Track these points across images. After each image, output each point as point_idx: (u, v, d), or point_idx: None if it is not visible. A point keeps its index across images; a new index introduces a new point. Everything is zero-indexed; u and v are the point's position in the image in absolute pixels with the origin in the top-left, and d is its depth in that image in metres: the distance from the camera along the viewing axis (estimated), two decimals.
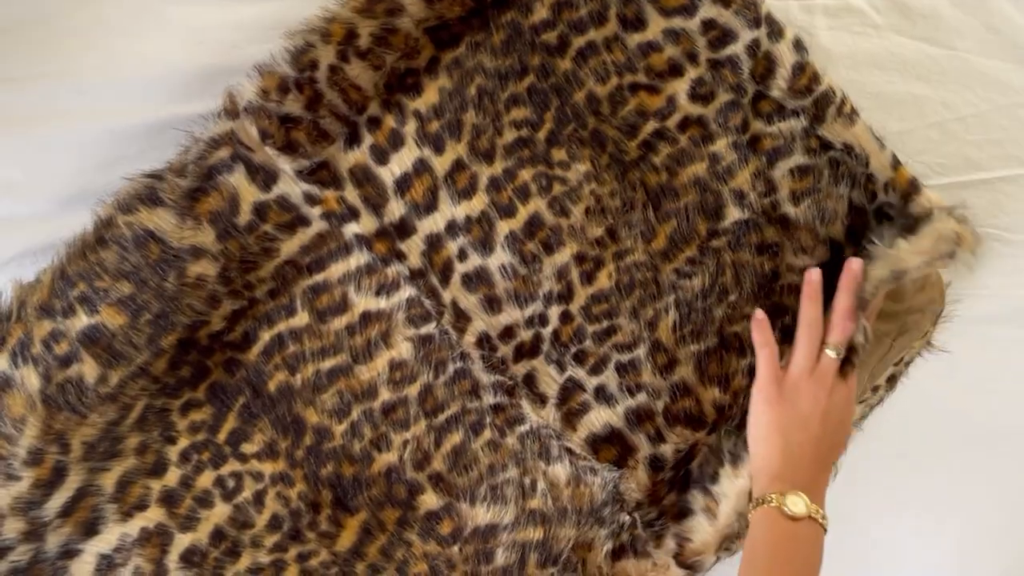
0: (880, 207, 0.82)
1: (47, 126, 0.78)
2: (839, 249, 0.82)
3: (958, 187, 0.89)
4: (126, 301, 0.74)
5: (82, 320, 0.74)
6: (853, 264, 0.78)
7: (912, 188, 0.80)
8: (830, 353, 0.77)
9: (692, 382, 0.82)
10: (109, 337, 0.74)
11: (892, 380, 0.88)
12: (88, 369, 0.74)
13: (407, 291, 0.79)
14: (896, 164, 0.80)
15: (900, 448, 0.91)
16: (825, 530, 0.74)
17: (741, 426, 0.81)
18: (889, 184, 0.80)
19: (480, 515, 0.79)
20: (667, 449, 0.81)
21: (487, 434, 0.81)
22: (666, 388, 0.81)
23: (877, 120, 0.81)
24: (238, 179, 0.76)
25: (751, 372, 0.81)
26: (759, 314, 0.80)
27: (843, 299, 0.78)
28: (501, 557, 0.78)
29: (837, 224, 0.82)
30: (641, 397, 0.82)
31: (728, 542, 0.83)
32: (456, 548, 0.79)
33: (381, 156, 0.78)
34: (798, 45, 0.77)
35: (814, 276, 0.79)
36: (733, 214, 0.81)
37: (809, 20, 0.85)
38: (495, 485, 0.80)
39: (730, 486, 0.78)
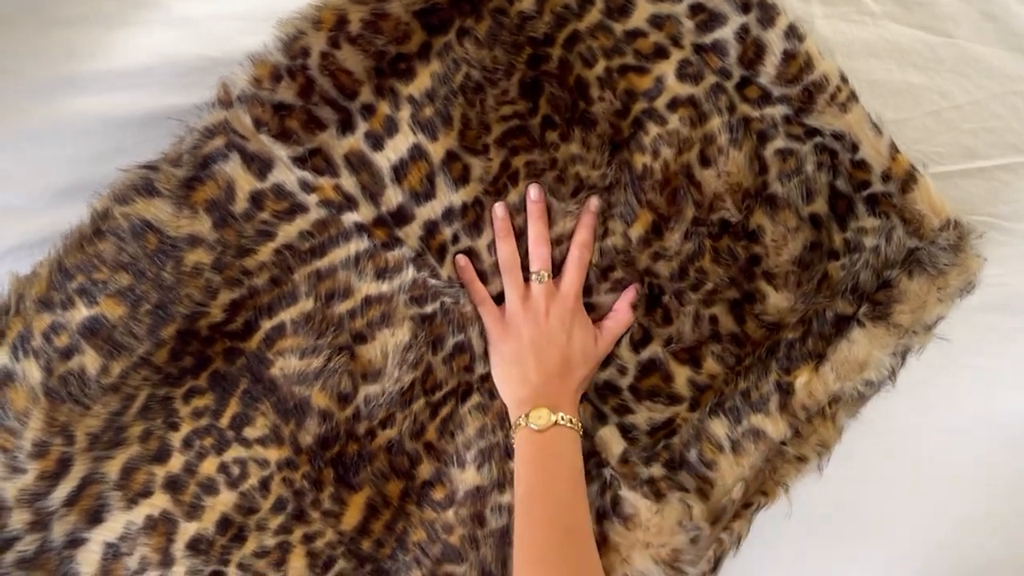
0: (874, 195, 0.83)
1: (42, 117, 0.77)
2: (820, 225, 0.83)
3: (955, 176, 0.89)
4: (125, 292, 0.75)
5: (81, 312, 0.74)
6: (532, 192, 0.81)
7: (910, 178, 0.81)
8: (535, 280, 0.81)
9: (663, 359, 0.84)
10: (109, 328, 0.74)
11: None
12: (89, 360, 0.74)
13: (410, 272, 0.80)
14: (894, 152, 0.81)
15: (895, 436, 0.91)
16: (578, 431, 0.78)
17: (722, 406, 0.83)
18: (886, 173, 0.81)
19: (470, 478, 0.80)
20: (637, 419, 0.84)
21: (475, 398, 0.83)
22: (635, 364, 0.84)
23: (873, 109, 0.81)
24: (233, 167, 0.76)
25: (722, 358, 0.84)
26: (461, 260, 0.82)
27: (532, 228, 0.82)
28: (492, 519, 0.79)
29: (819, 201, 0.83)
30: (610, 372, 0.84)
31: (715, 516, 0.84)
32: (451, 512, 0.80)
33: (376, 142, 0.78)
34: (791, 32, 0.77)
35: (500, 213, 0.81)
36: (725, 202, 0.82)
37: (806, 8, 0.85)
38: (483, 448, 0.81)
39: (730, 472, 0.81)
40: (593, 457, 0.81)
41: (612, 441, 0.81)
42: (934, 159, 0.89)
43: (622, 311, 0.83)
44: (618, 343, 0.84)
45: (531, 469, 0.77)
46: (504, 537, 0.79)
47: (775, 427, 0.81)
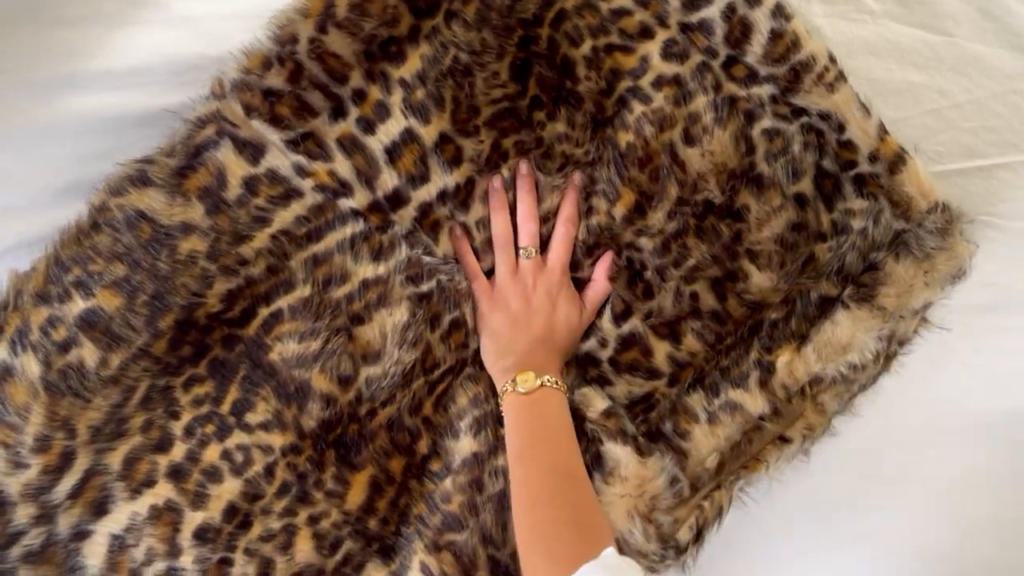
0: (861, 176, 0.83)
1: (42, 117, 0.77)
2: (805, 205, 0.84)
3: (954, 175, 0.89)
4: (121, 283, 0.75)
5: (78, 304, 0.74)
6: (522, 167, 0.83)
7: (898, 159, 0.81)
8: (523, 256, 0.84)
9: (643, 334, 0.85)
10: (107, 320, 0.74)
11: (887, 360, 0.87)
12: (88, 353, 0.74)
13: (403, 251, 0.80)
14: (882, 133, 0.82)
15: (895, 434, 0.90)
16: (564, 393, 0.81)
17: (701, 382, 0.84)
18: (873, 154, 0.81)
19: (466, 446, 0.81)
20: (616, 392, 0.85)
21: (468, 370, 0.84)
22: (615, 337, 0.85)
23: (873, 108, 0.81)
24: (225, 154, 0.77)
25: (702, 335, 0.84)
26: (457, 231, 0.84)
27: (521, 203, 0.84)
28: (490, 484, 0.80)
29: (805, 181, 0.83)
30: (591, 343, 0.85)
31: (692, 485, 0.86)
32: (449, 481, 0.81)
33: (368, 127, 0.78)
34: (777, 11, 0.78)
35: (497, 185, 0.83)
36: (708, 183, 0.82)
37: (806, 7, 0.86)
38: (478, 416, 0.82)
39: (704, 442, 0.82)
40: (576, 417, 0.82)
41: (595, 397, 0.83)
42: (934, 158, 0.88)
43: (599, 280, 0.85)
44: (600, 315, 0.85)
45: (521, 427, 0.78)
46: (503, 501, 0.79)
47: (753, 402, 0.82)
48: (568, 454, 0.77)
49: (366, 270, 0.80)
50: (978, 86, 0.89)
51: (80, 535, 0.75)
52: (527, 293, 0.83)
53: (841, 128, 0.81)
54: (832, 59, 0.79)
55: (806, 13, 0.85)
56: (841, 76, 0.80)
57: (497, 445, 0.81)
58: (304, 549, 0.78)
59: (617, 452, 0.79)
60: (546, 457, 0.76)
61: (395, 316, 0.80)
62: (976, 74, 0.89)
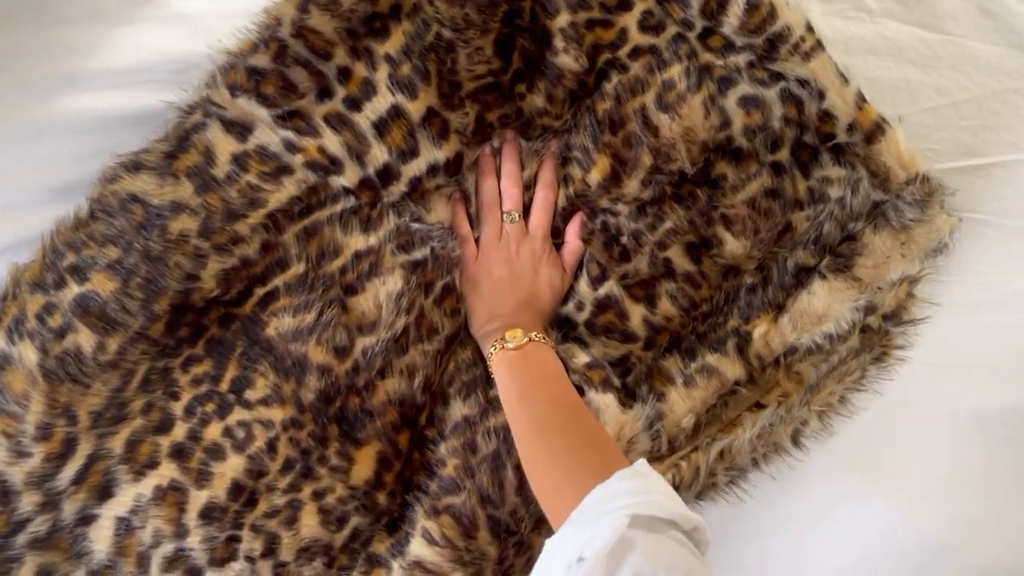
0: (839, 145, 0.84)
1: (41, 115, 0.78)
2: (781, 172, 0.85)
3: (952, 173, 0.88)
4: (114, 265, 0.75)
5: (73, 290, 0.74)
6: (508, 134, 0.86)
7: (877, 129, 0.81)
8: (507, 220, 0.86)
9: (618, 297, 0.86)
10: (101, 304, 0.74)
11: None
12: (84, 339, 0.74)
13: (392, 220, 0.81)
14: (861, 102, 0.81)
15: (892, 433, 0.90)
16: (552, 347, 0.83)
17: (678, 347, 0.86)
18: (851, 124, 0.82)
19: (456, 411, 0.83)
20: (593, 354, 0.86)
21: (460, 335, 0.85)
22: (591, 300, 0.87)
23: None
24: (213, 132, 0.77)
25: (676, 299, 0.86)
26: (456, 195, 0.87)
27: (504, 167, 0.87)
28: (483, 445, 0.81)
29: (783, 151, 0.84)
30: (568, 307, 0.87)
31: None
32: (443, 447, 0.82)
33: (354, 105, 0.79)
34: None
35: (487, 151, 0.86)
36: (678, 151, 0.83)
37: (804, 4, 0.84)
38: (466, 381, 0.84)
39: (680, 404, 0.84)
40: None
41: (578, 351, 0.84)
42: (931, 156, 0.89)
43: (572, 241, 0.87)
44: (577, 279, 0.87)
45: (517, 376, 0.80)
46: (497, 460, 0.80)
47: (731, 367, 0.84)
48: (568, 393, 0.78)
49: (357, 241, 0.81)
50: (976, 84, 0.89)
51: (86, 520, 0.76)
52: (511, 258, 0.85)
53: (821, 96, 0.81)
54: (809, 28, 0.80)
55: (804, 11, 0.83)
56: (819, 45, 0.80)
57: (487, 407, 0.82)
58: (310, 524, 0.79)
59: (599, 400, 0.81)
60: (547, 394, 0.78)
61: (388, 285, 0.81)
62: (974, 72, 0.89)
